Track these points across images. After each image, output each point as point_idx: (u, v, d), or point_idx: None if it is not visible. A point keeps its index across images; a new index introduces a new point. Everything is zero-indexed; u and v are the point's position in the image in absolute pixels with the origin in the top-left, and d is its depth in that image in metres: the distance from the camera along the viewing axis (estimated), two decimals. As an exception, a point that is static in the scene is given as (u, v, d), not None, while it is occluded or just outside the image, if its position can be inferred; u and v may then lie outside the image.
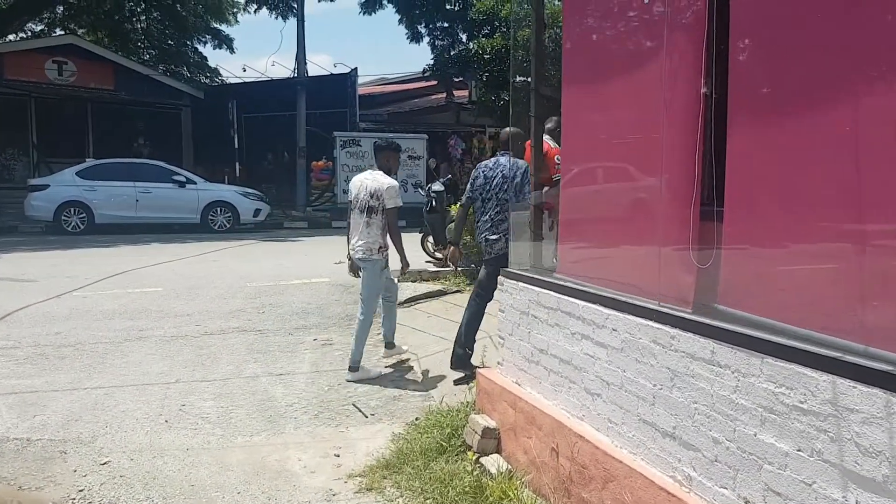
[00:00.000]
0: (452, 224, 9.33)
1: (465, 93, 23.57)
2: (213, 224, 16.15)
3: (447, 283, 8.33)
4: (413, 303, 7.75)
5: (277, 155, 22.26)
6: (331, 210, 19.54)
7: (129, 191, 15.66)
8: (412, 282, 8.49)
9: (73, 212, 15.19)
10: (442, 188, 9.91)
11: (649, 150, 2.97)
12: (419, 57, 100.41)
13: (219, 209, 16.23)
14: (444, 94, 22.55)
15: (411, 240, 14.20)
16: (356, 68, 22.53)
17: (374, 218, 5.78)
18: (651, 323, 2.78)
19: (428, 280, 8.63)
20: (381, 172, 5.95)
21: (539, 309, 3.70)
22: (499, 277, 4.45)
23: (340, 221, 18.49)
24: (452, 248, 6.04)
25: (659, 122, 2.88)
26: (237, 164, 20.15)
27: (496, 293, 4.96)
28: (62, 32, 24.56)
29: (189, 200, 16.00)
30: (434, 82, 24.85)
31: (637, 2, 3.17)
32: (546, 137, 7.73)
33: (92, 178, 15.42)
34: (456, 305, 7.42)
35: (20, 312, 7.35)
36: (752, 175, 2.49)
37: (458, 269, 8.82)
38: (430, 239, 10.32)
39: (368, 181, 5.88)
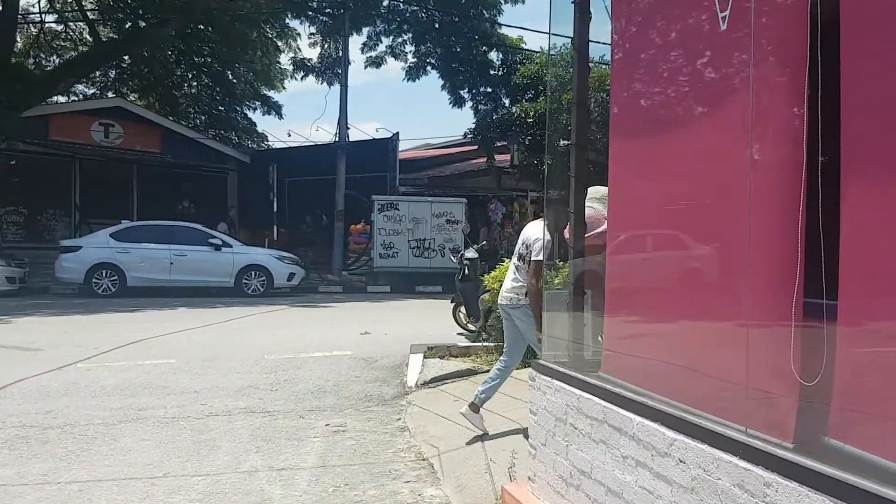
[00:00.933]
0: (487, 294, 8.63)
1: (507, 157, 23.14)
2: (246, 288, 15.73)
3: (478, 360, 7.56)
4: (439, 383, 6.99)
5: (316, 218, 21.99)
6: (367, 274, 19.03)
7: (164, 253, 15.40)
8: (439, 358, 7.75)
9: (104, 274, 14.95)
10: (475, 255, 9.25)
11: (729, 222, 2.25)
12: (461, 122, 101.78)
13: (253, 273, 15.84)
14: (486, 158, 22.16)
15: (443, 308, 13.55)
16: (397, 133, 22.40)
17: (522, 265, 5.34)
18: (735, 459, 2.00)
19: (457, 357, 7.87)
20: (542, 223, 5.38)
21: (580, 418, 2.94)
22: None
23: (376, 286, 17.94)
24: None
25: (741, 188, 2.17)
26: (276, 227, 19.89)
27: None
28: (113, 95, 25.10)
29: (224, 264, 15.66)
30: (475, 147, 24.55)
31: (708, 43, 2.50)
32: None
33: (126, 241, 15.22)
34: (488, 388, 6.64)
35: (14, 386, 6.81)
36: (880, 256, 1.75)
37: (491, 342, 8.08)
38: (462, 309, 9.61)
39: (527, 228, 5.42)
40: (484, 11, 22.22)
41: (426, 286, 18.00)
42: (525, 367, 7.05)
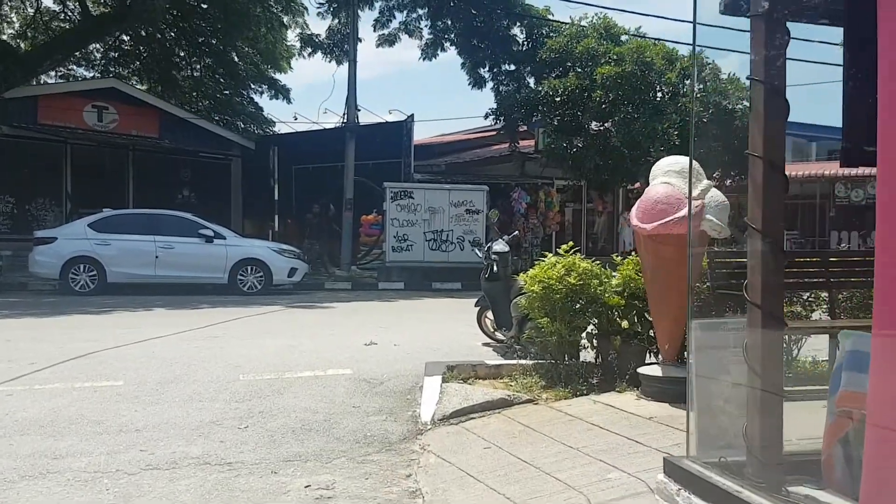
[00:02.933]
0: (521, 297, 6.82)
1: (531, 142, 21.24)
2: (242, 284, 14.03)
3: (514, 385, 5.75)
4: (462, 418, 5.20)
5: (323, 208, 20.24)
6: (378, 269, 17.27)
7: (148, 246, 13.73)
8: (462, 381, 5.95)
9: (81, 269, 13.30)
10: (506, 248, 7.43)
11: None
12: (481, 107, 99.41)
13: (249, 268, 14.12)
14: (508, 143, 20.28)
15: (464, 310, 11.74)
16: (412, 115, 20.57)
17: None
18: None
19: (485, 379, 6.06)
20: None
21: None
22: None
23: (388, 283, 16.17)
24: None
25: None
26: (276, 217, 18.16)
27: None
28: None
29: (216, 257, 13.96)
30: (495, 132, 22.69)
31: None
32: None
33: (106, 231, 13.56)
34: (529, 429, 4.84)
35: None
36: None
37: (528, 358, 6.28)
38: (490, 315, 7.80)
39: None
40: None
41: (444, 283, 16.21)
42: (569, 393, 5.27)
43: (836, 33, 2.93)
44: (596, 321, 5.93)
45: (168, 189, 20.96)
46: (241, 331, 9.46)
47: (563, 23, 18.86)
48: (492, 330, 7.88)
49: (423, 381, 5.95)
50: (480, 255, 7.63)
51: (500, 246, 7.43)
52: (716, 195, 5.13)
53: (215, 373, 6.67)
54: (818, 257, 5.95)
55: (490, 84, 21.89)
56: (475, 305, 7.96)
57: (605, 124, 17.45)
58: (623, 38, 17.68)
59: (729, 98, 16.70)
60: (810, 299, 5.86)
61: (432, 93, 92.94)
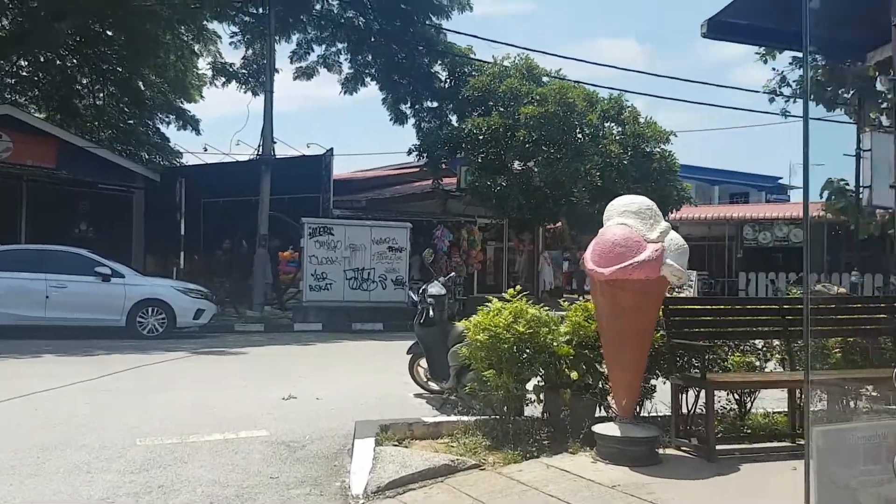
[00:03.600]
0: (460, 344, 6.27)
1: (454, 180, 20.96)
2: (141, 327, 12.86)
3: (457, 447, 5.14)
4: (400, 489, 4.53)
5: (234, 244, 19.19)
6: (294, 309, 16.37)
7: (38, 285, 12.43)
8: (398, 442, 5.30)
9: (-42, 311, 11.88)
10: (443, 291, 6.89)
11: None
12: (402, 143, 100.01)
13: (150, 309, 12.97)
14: (432, 180, 19.90)
15: (390, 354, 11.06)
16: (331, 149, 19.86)
17: None
18: None
19: (423, 439, 5.44)
20: None
21: None
22: None
23: (304, 324, 15.30)
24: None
25: None
26: (182, 254, 16.99)
27: None
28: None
29: (113, 297, 12.76)
30: (417, 169, 22.34)
31: None
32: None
33: (-11, 268, 12.20)
34: (478, 503, 4.24)
35: None
36: None
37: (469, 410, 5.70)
38: (423, 363, 7.20)
39: None
40: (431, 16, 20.10)
41: (364, 323, 15.47)
42: (519, 455, 4.68)
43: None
44: (543, 373, 5.43)
45: (64, 223, 19.35)
46: (139, 383, 8.45)
47: (485, 62, 18.79)
48: (425, 380, 7.27)
49: (353, 444, 5.26)
50: (415, 297, 7.03)
51: (436, 288, 6.87)
52: (675, 238, 4.77)
53: (108, 436, 5.75)
54: (775, 304, 5.67)
55: (412, 120, 21.60)
56: (407, 353, 7.34)
57: (528, 164, 17.34)
58: (545, 79, 17.73)
59: (647, 141, 16.91)
60: (763, 349, 5.57)
61: (352, 128, 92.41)
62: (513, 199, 16.62)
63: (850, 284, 16.65)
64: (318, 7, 21.84)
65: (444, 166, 19.47)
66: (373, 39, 21.50)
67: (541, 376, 5.46)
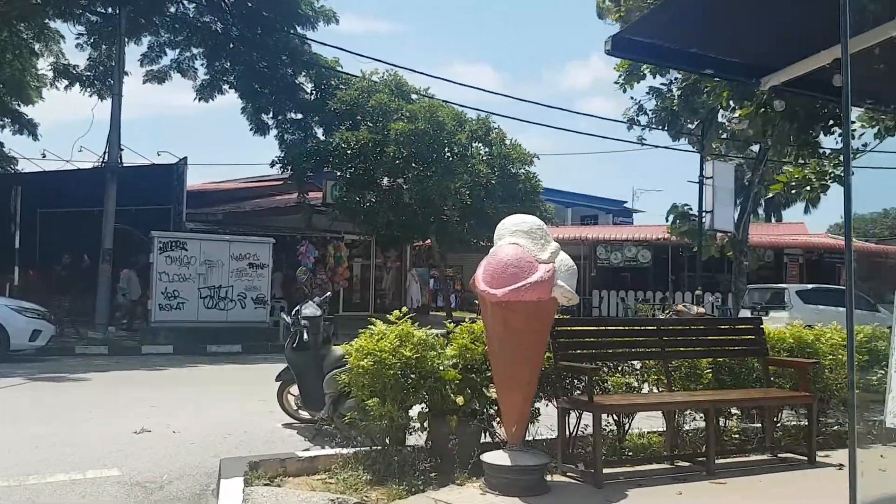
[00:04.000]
0: (338, 369, 5.90)
1: (320, 194, 20.41)
2: (-35, 352, 11.36)
3: (337, 482, 4.76)
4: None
5: (75, 258, 17.57)
6: (142, 332, 15.15)
7: None
8: (269, 481, 4.84)
9: None
10: (318, 312, 6.45)
11: None
12: (264, 155, 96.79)
13: (-24, 331, 11.51)
14: (297, 194, 19.24)
15: (251, 379, 10.39)
16: (185, 158, 18.74)
17: None
18: None
19: (298, 476, 5.00)
20: None
21: None
22: None
23: (154, 346, 14.19)
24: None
25: None
26: (17, 269, 15.31)
27: None
28: None
29: (-69, 318, 11.21)
30: (280, 182, 21.60)
31: None
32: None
33: None
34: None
35: None
36: None
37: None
38: (294, 390, 6.73)
39: None
40: (296, 26, 19.50)
41: (221, 345, 14.55)
42: (404, 490, 4.38)
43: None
44: (428, 399, 5.18)
45: None
46: (-40, 417, 7.35)
47: (353, 75, 18.47)
48: (295, 408, 6.79)
49: (219, 484, 4.74)
50: (287, 320, 6.53)
51: (310, 309, 6.42)
52: (565, 259, 4.69)
53: (-83, 487, 4.86)
54: (653, 325, 5.74)
55: (274, 131, 20.79)
56: (276, 379, 6.82)
57: (398, 180, 17.17)
58: (413, 96, 17.66)
59: (513, 163, 17.24)
60: (641, 370, 5.62)
61: (209, 137, 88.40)
62: (382, 216, 16.36)
63: (711, 305, 17.68)
64: (172, 9, 20.60)
65: (309, 180, 18.88)
66: (231, 46, 20.52)
67: (426, 403, 5.20)
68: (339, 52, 21.97)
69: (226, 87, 21.39)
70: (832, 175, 7.54)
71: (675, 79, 11.77)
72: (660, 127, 14.07)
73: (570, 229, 32.00)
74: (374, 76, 17.87)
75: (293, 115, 20.63)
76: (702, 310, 8.90)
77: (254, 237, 16.23)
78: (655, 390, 5.63)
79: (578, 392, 5.10)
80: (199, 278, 14.85)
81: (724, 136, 23.02)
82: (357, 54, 34.61)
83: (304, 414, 6.67)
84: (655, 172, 70.10)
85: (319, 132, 19.75)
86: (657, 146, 28.64)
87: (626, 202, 45.98)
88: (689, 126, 22.68)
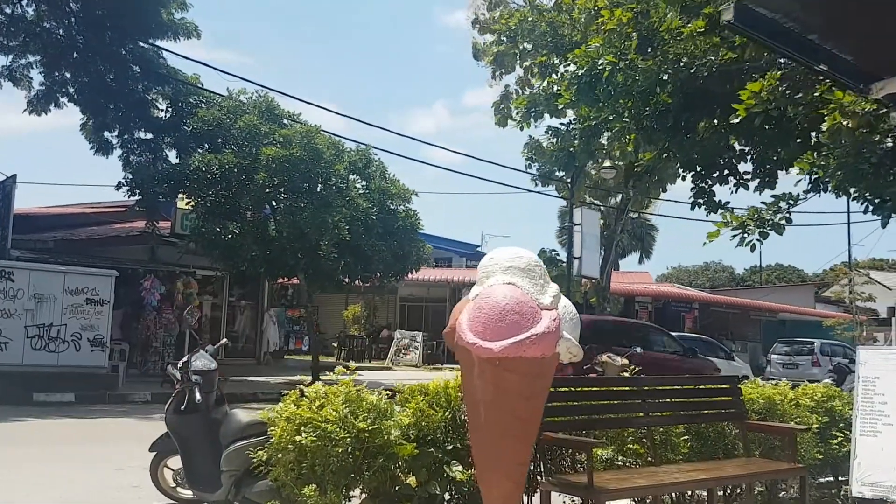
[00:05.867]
0: (244, 442, 4.60)
1: (168, 224, 18.33)
2: None
3: None
4: None
5: None
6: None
7: None
8: None
9: None
10: (213, 366, 5.06)
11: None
12: (103, 176, 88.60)
13: None
14: (146, 222, 17.09)
15: (96, 437, 8.51)
16: (14, 176, 16.19)
17: None
18: None
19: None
20: None
21: None
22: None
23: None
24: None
25: None
26: None
27: None
28: None
29: None
30: (122, 208, 19.29)
31: None
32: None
33: None
34: None
35: None
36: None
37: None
38: (173, 464, 5.27)
39: None
40: (151, 40, 17.58)
41: (51, 393, 12.25)
42: None
43: None
44: (375, 483, 4.03)
45: None
46: None
47: (217, 94, 16.80)
48: (173, 485, 5.32)
49: None
50: (177, 374, 5.07)
51: (202, 361, 5.02)
52: (567, 305, 3.79)
53: None
54: (635, 385, 4.94)
55: (119, 151, 18.49)
56: (151, 449, 5.30)
57: (264, 211, 15.65)
58: (285, 121, 16.32)
59: (392, 198, 16.33)
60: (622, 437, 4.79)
61: (40, 155, 79.95)
62: (245, 249, 14.71)
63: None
64: (7, 10, 18.00)
65: (157, 207, 16.87)
66: (75, 55, 18.21)
67: (371, 488, 4.04)
68: (202, 67, 20.17)
69: (64, 99, 18.89)
70: (771, 223, 7.30)
71: (573, 120, 11.54)
72: (555, 168, 13.82)
73: (432, 271, 31.47)
74: (241, 95, 16.35)
75: (142, 135, 18.49)
76: (625, 361, 8.33)
77: (93, 269, 14.01)
78: (630, 463, 4.81)
79: (567, 469, 4.16)
80: (27, 314, 12.46)
81: (588, 183, 23.52)
82: (223, 71, 31.90)
83: (186, 493, 5.22)
84: (502, 217, 72.13)
85: (172, 154, 17.80)
86: (528, 190, 28.91)
87: (478, 246, 46.50)
88: (560, 173, 22.97)
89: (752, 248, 7.42)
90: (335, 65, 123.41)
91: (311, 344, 20.67)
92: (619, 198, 24.18)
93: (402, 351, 24.63)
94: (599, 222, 22.13)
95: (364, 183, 16.23)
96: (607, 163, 19.75)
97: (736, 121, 7.24)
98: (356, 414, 3.82)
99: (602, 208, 26.06)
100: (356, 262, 15.45)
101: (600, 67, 8.97)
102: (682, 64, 8.45)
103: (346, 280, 16.69)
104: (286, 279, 18.58)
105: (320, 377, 16.92)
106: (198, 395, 4.75)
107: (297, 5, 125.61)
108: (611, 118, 9.64)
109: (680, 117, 9.36)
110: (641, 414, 4.69)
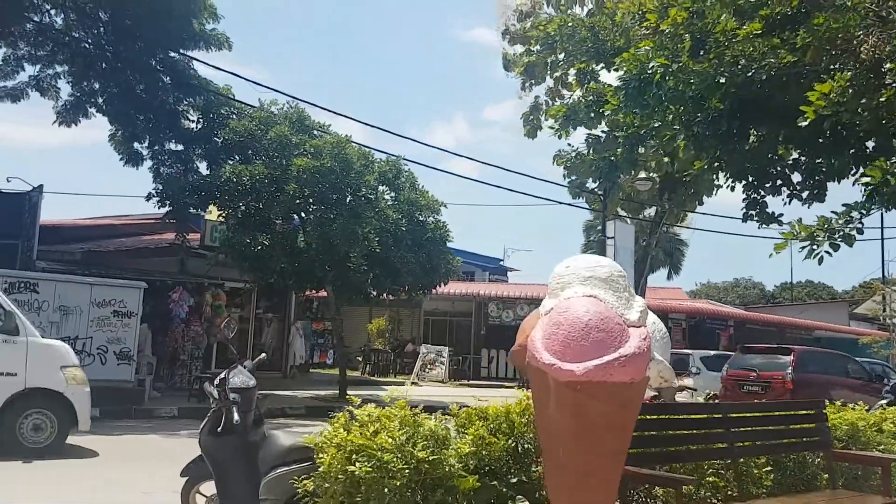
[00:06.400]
0: (286, 469, 4.20)
1: (197, 236, 18.15)
2: None
3: None
4: None
5: None
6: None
7: None
8: None
9: None
10: (251, 383, 4.69)
11: None
12: (132, 187, 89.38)
13: None
14: (176, 234, 16.92)
15: (125, 455, 8.23)
16: (40, 186, 16.11)
17: None
18: None
19: None
20: None
21: None
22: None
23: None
24: None
25: None
26: None
27: None
28: None
29: None
30: (154, 220, 19.15)
31: None
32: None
33: None
34: None
35: None
36: None
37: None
38: (205, 490, 4.89)
39: None
40: (182, 50, 17.47)
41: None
42: None
43: None
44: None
45: None
46: None
47: (248, 105, 16.61)
48: (206, 512, 4.94)
49: None
50: (214, 393, 4.69)
51: (241, 378, 4.64)
52: (656, 322, 3.37)
53: None
54: (717, 412, 4.47)
55: (149, 163, 18.37)
56: (182, 474, 4.94)
57: (293, 222, 15.38)
58: (315, 132, 16.07)
59: (421, 210, 15.98)
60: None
61: (69, 167, 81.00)
62: (275, 261, 14.44)
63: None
64: (36, 19, 18.02)
65: (201, 214, 16.73)
66: (105, 65, 18.16)
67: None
68: (233, 79, 20.07)
69: (93, 110, 18.84)
70: (841, 233, 6.80)
71: (616, 128, 11.13)
72: (599, 177, 13.42)
73: (458, 284, 31.06)
74: (272, 107, 16.14)
75: (172, 146, 18.36)
76: (684, 382, 7.79)
77: (121, 280, 13.80)
78: (711, 497, 4.34)
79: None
80: (52, 327, 12.25)
81: (621, 196, 22.99)
82: (254, 82, 31.46)
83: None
84: (525, 231, 71.52)
85: (203, 166, 17.63)
86: (560, 202, 28.46)
87: (501, 260, 46.01)
88: (591, 184, 22.49)
89: (820, 261, 6.93)
90: (354, 82, 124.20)
91: (336, 357, 20.30)
92: (652, 210, 23.63)
93: (428, 366, 24.18)
94: (633, 236, 21.59)
95: (393, 194, 15.91)
96: (642, 174, 19.24)
97: (804, 123, 6.75)
98: (414, 441, 3.41)
99: (632, 221, 25.53)
100: (385, 275, 15.10)
101: (651, 71, 8.56)
102: (739, 67, 8.00)
103: (375, 293, 16.34)
104: (314, 291, 18.25)
105: (347, 392, 16.63)
106: (235, 416, 4.37)
107: (318, 22, 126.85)
108: (657, 125, 9.22)
109: (732, 124, 8.92)
110: (724, 444, 4.22)
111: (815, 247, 6.85)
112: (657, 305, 28.16)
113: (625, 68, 8.80)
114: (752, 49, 7.96)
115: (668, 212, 22.50)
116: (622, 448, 3.23)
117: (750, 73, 8.06)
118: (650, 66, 8.38)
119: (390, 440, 3.34)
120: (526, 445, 3.95)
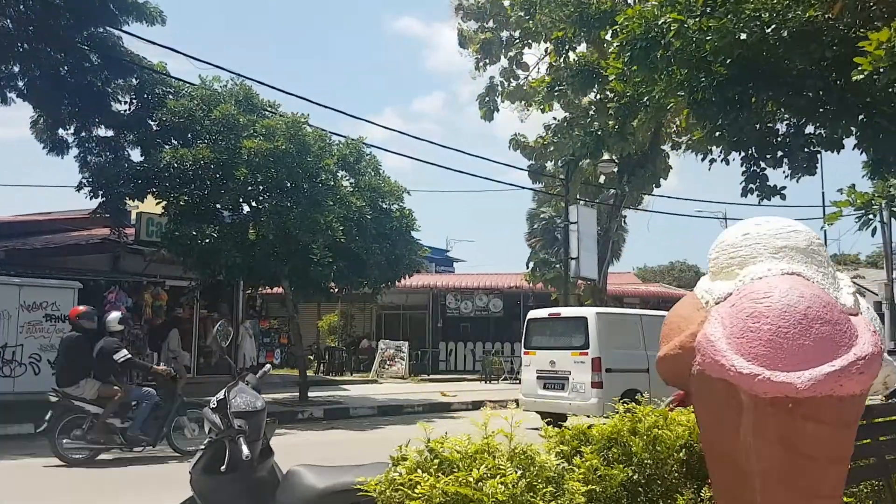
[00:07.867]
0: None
1: (132, 231, 16.55)
2: None
3: None
4: None
5: None
6: None
7: None
8: None
9: None
10: (259, 405, 3.57)
11: None
12: (60, 177, 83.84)
13: None
14: (110, 229, 15.31)
15: (77, 478, 6.88)
16: (-48, 177, 14.19)
17: None
18: None
19: None
20: None
21: None
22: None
23: None
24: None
25: None
26: None
27: None
28: None
29: None
30: (83, 216, 17.45)
31: None
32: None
33: None
34: None
35: None
36: None
37: None
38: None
39: None
40: (109, 27, 15.77)
41: (7, 425, 10.51)
42: None
43: None
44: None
45: None
46: None
47: (188, 82, 15.08)
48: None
49: None
50: (217, 421, 3.50)
51: (246, 398, 3.49)
52: (869, 308, 2.44)
53: None
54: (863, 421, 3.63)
55: (75, 151, 16.61)
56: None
57: (244, 211, 14.05)
58: (266, 112, 14.71)
59: (384, 196, 14.87)
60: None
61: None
62: (225, 256, 13.08)
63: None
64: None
65: (127, 209, 15.10)
66: (26, 46, 16.29)
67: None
68: (170, 56, 18.34)
69: (12, 95, 16.94)
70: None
71: (607, 97, 10.32)
72: (584, 153, 12.56)
73: (413, 277, 29.99)
74: (215, 84, 14.68)
75: (101, 132, 16.65)
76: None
77: (52, 280, 12.26)
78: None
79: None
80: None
81: (581, 179, 22.38)
82: (193, 58, 26.46)
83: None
84: (465, 221, 70.81)
85: (136, 153, 16.02)
86: (523, 187, 27.59)
87: (447, 250, 45.19)
88: (554, 167, 21.80)
89: (874, 233, 6.26)
90: (295, 75, 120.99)
91: (294, 358, 19.01)
92: (611, 194, 23.11)
93: (388, 362, 23.11)
94: (595, 220, 21.00)
95: (353, 180, 14.73)
96: (605, 156, 18.60)
97: (860, 77, 6.00)
98: (533, 487, 2.40)
99: (588, 204, 24.99)
100: (349, 268, 13.94)
101: (658, 29, 7.73)
102: (758, 23, 7.25)
103: (336, 288, 15.17)
104: (268, 288, 16.94)
105: (308, 395, 15.38)
106: (245, 450, 3.25)
107: (256, 13, 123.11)
108: (659, 91, 8.43)
109: (737, 90, 8.22)
110: (875, 459, 3.38)
111: (871, 216, 6.18)
112: (612, 290, 27.80)
113: (628, 26, 7.97)
114: (776, 1, 7.23)
115: (628, 195, 22.00)
116: (840, 486, 2.30)
117: (770, 29, 7.34)
118: (661, 22, 7.56)
119: (504, 489, 2.32)
120: (647, 473, 3.00)
